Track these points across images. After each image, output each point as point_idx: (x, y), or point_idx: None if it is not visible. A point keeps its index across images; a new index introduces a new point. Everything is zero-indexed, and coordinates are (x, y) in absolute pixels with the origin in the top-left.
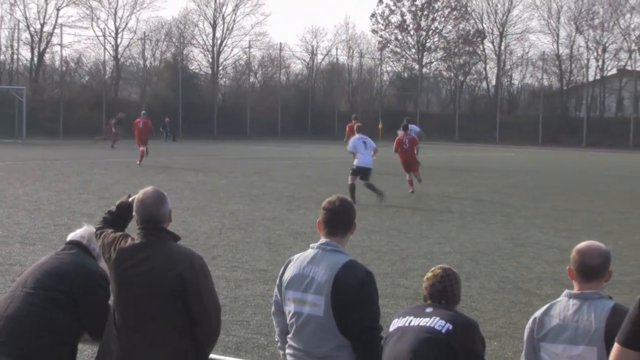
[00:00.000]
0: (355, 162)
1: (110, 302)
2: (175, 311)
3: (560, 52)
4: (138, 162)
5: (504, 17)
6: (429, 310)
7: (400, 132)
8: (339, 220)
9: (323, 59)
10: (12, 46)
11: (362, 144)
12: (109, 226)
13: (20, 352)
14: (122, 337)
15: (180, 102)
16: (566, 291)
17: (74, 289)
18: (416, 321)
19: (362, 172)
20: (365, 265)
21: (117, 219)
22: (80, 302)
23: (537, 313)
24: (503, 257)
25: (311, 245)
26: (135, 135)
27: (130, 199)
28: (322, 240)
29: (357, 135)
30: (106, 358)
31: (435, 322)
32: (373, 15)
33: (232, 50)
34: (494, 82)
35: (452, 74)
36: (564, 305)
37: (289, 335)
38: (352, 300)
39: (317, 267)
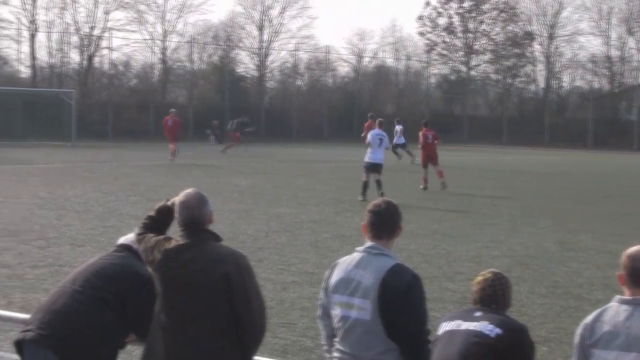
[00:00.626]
0: (367, 158)
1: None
2: (221, 311)
3: (611, 54)
4: (170, 159)
5: (554, 19)
6: (478, 314)
7: (423, 129)
8: (384, 224)
9: (370, 62)
10: (62, 50)
11: (379, 141)
12: (150, 231)
13: (63, 347)
14: (167, 337)
15: (227, 105)
16: (617, 297)
17: (122, 290)
18: (465, 325)
19: (373, 168)
20: (412, 269)
21: (158, 223)
22: (127, 303)
23: (588, 319)
24: (553, 262)
25: (357, 248)
26: (166, 134)
27: (169, 203)
28: (368, 243)
29: (376, 130)
30: (151, 358)
31: (484, 326)
32: (420, 17)
33: (279, 53)
34: (542, 85)
35: (500, 77)
36: (614, 311)
37: (336, 339)
38: (399, 303)
39: (364, 271)
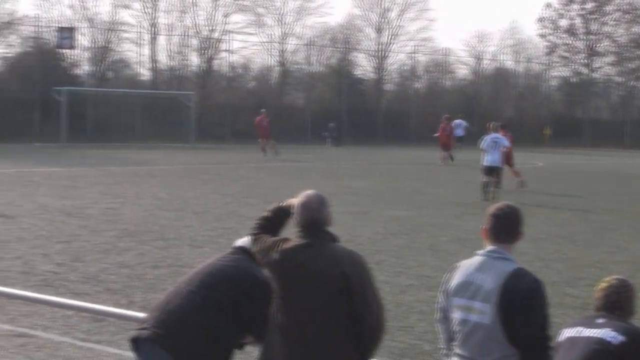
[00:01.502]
0: (484, 161)
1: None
2: (340, 311)
3: None
4: (264, 154)
5: None
6: (600, 320)
7: (501, 131)
8: (506, 228)
9: (489, 64)
10: (181, 52)
11: (493, 144)
12: (264, 231)
13: (177, 347)
14: (285, 338)
15: (345, 107)
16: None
17: (236, 292)
18: (587, 332)
19: (491, 171)
20: (533, 273)
21: (272, 224)
22: (242, 304)
23: None
24: None
25: (477, 252)
26: (262, 133)
27: (284, 204)
28: (489, 247)
29: (492, 135)
30: (269, 359)
31: (607, 333)
32: (540, 19)
33: (397, 55)
34: None
35: (623, 79)
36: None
37: (455, 343)
38: (520, 308)
39: (485, 275)
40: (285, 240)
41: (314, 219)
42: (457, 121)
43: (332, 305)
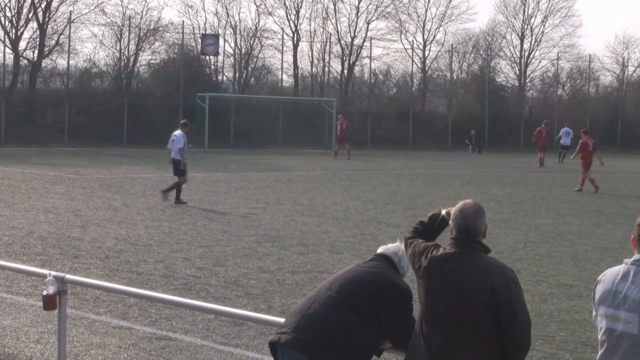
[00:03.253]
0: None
1: (416, 312)
2: (485, 324)
3: None
4: (334, 156)
5: None
6: None
7: (584, 137)
8: None
9: (635, 71)
10: (323, 59)
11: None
12: (420, 236)
13: (316, 352)
14: (430, 345)
15: (487, 114)
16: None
17: (375, 298)
18: None
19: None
20: None
21: (428, 229)
22: (381, 311)
23: None
24: None
25: (625, 260)
26: (342, 136)
27: (443, 212)
28: (637, 256)
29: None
30: None
31: None
32: None
33: (539, 62)
34: None
35: None
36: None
37: (600, 353)
38: None
39: (632, 284)
40: (437, 247)
41: (468, 227)
42: (565, 129)
43: (477, 317)
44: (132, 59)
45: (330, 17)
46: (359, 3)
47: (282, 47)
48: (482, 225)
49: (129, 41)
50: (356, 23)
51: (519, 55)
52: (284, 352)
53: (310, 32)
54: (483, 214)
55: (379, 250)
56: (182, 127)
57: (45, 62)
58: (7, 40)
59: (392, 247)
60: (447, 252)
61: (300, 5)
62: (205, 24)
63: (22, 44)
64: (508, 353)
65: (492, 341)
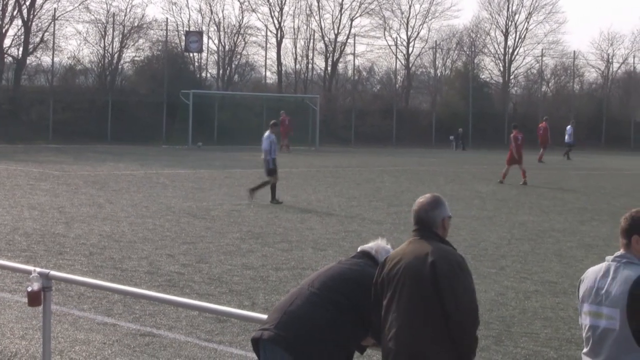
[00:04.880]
0: None
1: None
2: (432, 305)
3: None
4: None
5: None
6: None
7: (514, 131)
8: (633, 232)
9: (619, 67)
10: (307, 56)
11: None
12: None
13: (298, 348)
14: (391, 332)
15: (471, 111)
16: None
17: (356, 295)
18: None
19: None
20: None
21: None
22: (362, 307)
23: None
24: None
25: (607, 257)
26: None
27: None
28: (618, 252)
29: None
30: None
31: None
32: None
33: (523, 58)
34: None
35: None
36: None
37: (585, 350)
38: None
39: (612, 280)
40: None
41: (420, 219)
42: (570, 127)
43: (422, 299)
44: (116, 56)
45: (314, 14)
46: (342, 0)
47: (266, 44)
48: (437, 217)
49: (113, 38)
50: (340, 20)
51: (503, 52)
52: (267, 349)
53: (294, 29)
54: (438, 206)
55: (360, 248)
56: (270, 128)
57: (30, 60)
58: None
59: (372, 243)
60: (405, 243)
61: (284, 2)
62: (189, 21)
63: (6, 41)
64: (452, 338)
65: (440, 325)
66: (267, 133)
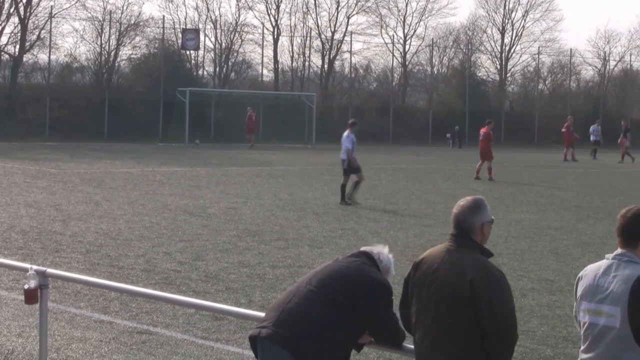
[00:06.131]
0: None
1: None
2: (467, 321)
3: None
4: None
5: None
6: None
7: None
8: (633, 231)
9: (616, 65)
10: (304, 54)
11: None
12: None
13: (296, 346)
14: (417, 340)
15: (467, 109)
16: None
17: (353, 293)
18: None
19: None
20: None
21: None
22: (360, 306)
23: None
24: None
25: (606, 255)
26: (250, 128)
27: None
28: (618, 250)
29: None
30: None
31: None
32: None
33: (520, 56)
34: None
35: None
36: None
37: (583, 347)
38: None
39: (613, 278)
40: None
41: (459, 223)
42: (594, 127)
43: (460, 316)
44: (112, 53)
45: (311, 12)
46: None
47: (263, 41)
48: (476, 223)
49: (109, 36)
50: (336, 17)
51: (499, 50)
52: (264, 346)
53: (291, 27)
54: (480, 211)
55: (362, 249)
56: (349, 127)
57: (27, 57)
58: None
59: (374, 247)
60: (435, 249)
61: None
62: (185, 19)
63: (3, 39)
64: (489, 353)
65: (473, 340)
66: (346, 132)
